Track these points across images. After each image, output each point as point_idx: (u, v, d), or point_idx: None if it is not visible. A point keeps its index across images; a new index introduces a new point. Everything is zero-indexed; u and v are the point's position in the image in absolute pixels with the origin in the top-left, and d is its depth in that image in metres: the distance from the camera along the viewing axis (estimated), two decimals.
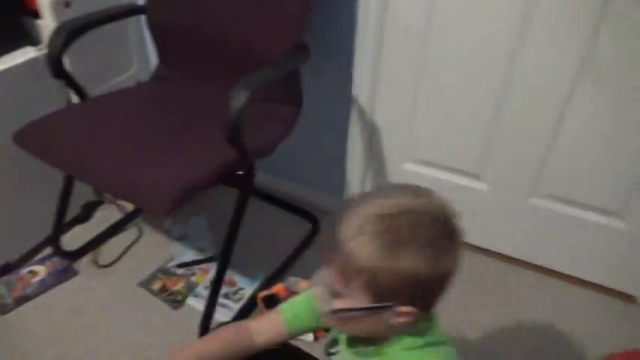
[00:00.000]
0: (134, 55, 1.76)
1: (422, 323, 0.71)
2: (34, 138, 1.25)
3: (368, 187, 1.73)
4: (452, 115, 1.45)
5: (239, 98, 1.11)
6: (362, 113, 1.55)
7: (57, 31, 1.33)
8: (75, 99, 1.51)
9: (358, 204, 0.66)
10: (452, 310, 1.45)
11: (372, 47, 1.42)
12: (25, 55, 1.46)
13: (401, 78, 1.46)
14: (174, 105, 1.43)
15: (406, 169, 1.62)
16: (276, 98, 1.40)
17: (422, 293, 0.66)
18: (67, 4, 1.46)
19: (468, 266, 1.59)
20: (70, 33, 1.32)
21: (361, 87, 1.50)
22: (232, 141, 1.14)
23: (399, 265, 0.62)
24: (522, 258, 1.60)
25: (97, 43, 1.60)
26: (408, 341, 0.71)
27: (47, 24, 1.45)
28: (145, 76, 1.80)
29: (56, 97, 1.56)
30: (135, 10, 1.55)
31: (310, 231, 1.69)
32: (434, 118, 1.48)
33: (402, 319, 0.66)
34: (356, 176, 1.67)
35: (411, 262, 0.62)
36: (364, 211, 0.65)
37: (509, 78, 1.32)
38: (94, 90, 1.50)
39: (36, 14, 1.47)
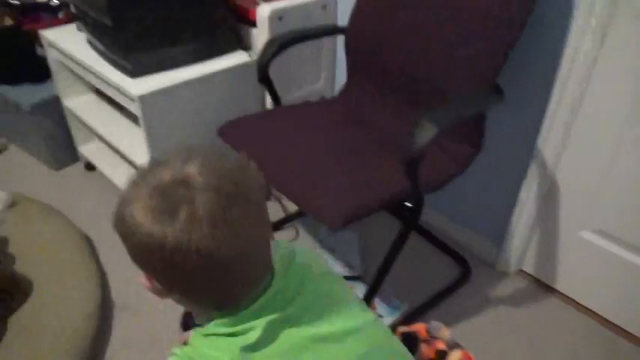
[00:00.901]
0: (323, 71, 1.88)
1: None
2: (234, 134, 1.40)
3: (532, 244, 1.61)
4: None
5: (426, 132, 1.10)
6: (543, 167, 1.45)
7: (271, 42, 1.47)
8: (269, 103, 1.66)
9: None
10: None
11: (571, 101, 1.32)
12: (238, 58, 1.65)
13: (597, 139, 1.34)
14: (356, 125, 1.49)
15: (581, 238, 1.47)
16: (456, 136, 1.38)
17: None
18: (280, 18, 1.61)
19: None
20: (281, 45, 1.46)
21: (548, 140, 1.40)
22: (409, 173, 1.15)
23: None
24: None
25: (295, 56, 1.75)
26: (210, 327, 0.70)
27: (261, 33, 1.61)
28: (328, 92, 1.91)
29: (253, 99, 1.73)
30: (336, 30, 1.66)
31: (460, 276, 1.63)
32: (626, 188, 1.33)
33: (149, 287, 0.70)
34: (520, 230, 1.56)
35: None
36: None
37: None
38: (284, 98, 1.63)
39: (253, 23, 1.65)
